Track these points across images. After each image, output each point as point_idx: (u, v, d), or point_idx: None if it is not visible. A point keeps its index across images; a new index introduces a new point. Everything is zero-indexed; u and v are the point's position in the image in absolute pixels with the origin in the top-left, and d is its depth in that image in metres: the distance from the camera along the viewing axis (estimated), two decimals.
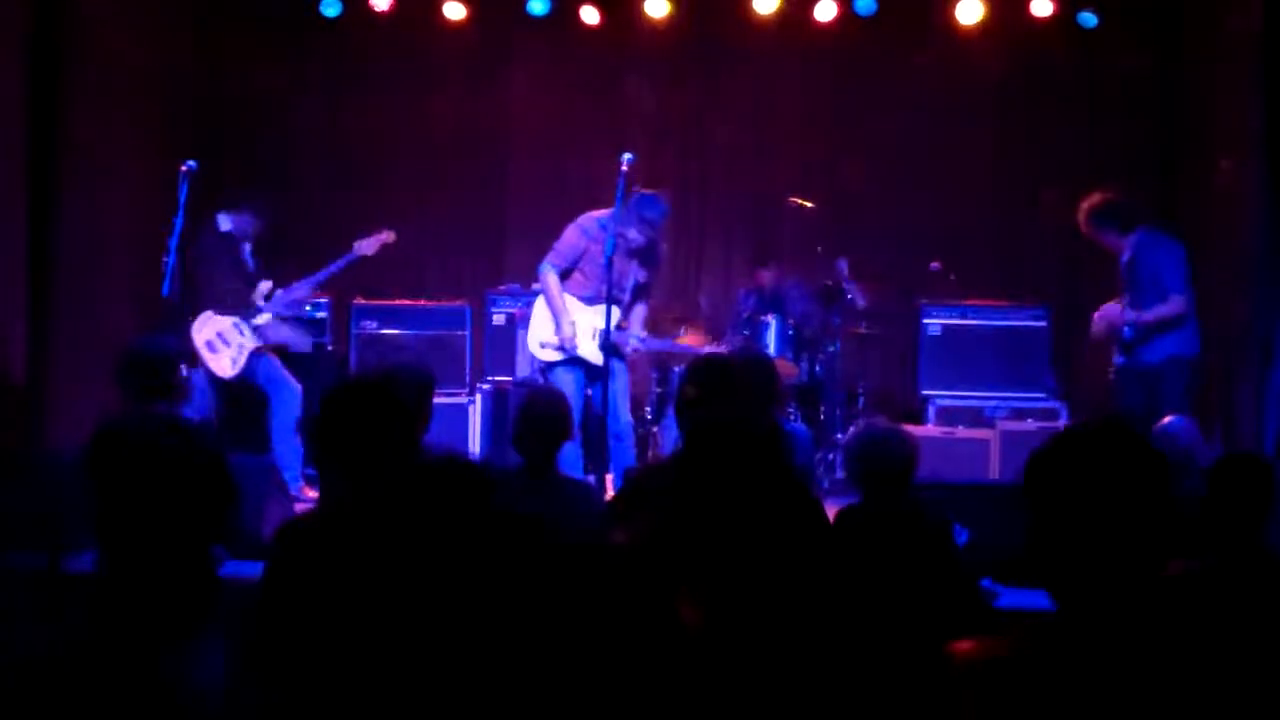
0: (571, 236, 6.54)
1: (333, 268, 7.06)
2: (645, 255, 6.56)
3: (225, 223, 6.88)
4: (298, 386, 6.76)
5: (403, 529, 2.35)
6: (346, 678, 2.45)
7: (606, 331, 6.24)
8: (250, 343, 6.74)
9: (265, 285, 6.92)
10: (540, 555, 2.40)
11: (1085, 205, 6.95)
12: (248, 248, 7.00)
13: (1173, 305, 6.79)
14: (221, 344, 6.63)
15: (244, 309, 6.77)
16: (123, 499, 3.75)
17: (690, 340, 7.00)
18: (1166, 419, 5.43)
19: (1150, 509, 2.00)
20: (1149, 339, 6.83)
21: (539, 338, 6.60)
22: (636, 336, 6.63)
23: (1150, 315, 6.81)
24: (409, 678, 2.24)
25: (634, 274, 6.48)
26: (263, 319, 6.81)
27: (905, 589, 3.85)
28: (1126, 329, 6.88)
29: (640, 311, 6.70)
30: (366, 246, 7.11)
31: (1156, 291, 6.82)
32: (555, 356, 6.54)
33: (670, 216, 6.87)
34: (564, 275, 6.58)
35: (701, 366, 4.00)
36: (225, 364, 6.61)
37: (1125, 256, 6.94)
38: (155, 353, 4.70)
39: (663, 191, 6.65)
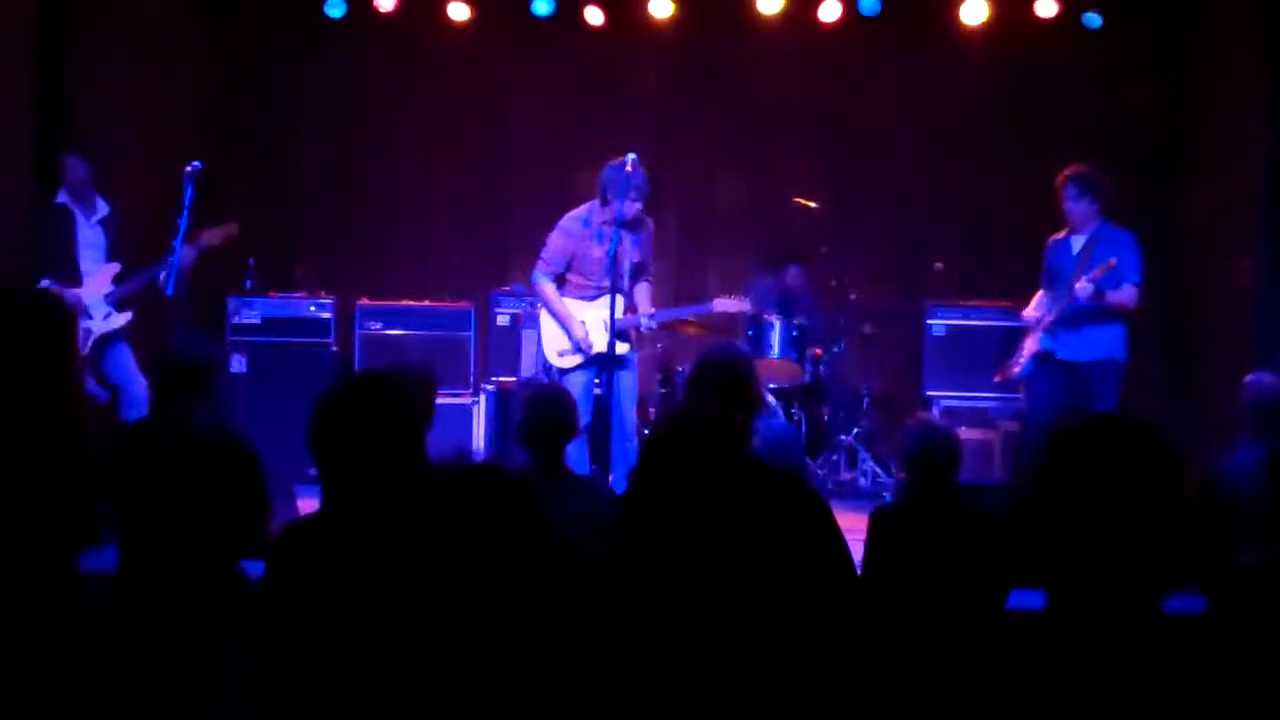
0: (557, 241, 6.49)
1: (174, 261, 6.26)
2: (635, 233, 6.47)
3: (61, 195, 6.49)
4: (145, 381, 6.33)
5: (416, 533, 2.33)
6: (350, 683, 2.44)
7: (613, 321, 6.19)
8: (99, 326, 6.41)
9: (114, 268, 6.52)
10: (556, 560, 2.39)
11: (1076, 168, 6.77)
12: (96, 218, 6.55)
13: (1128, 295, 6.57)
14: (82, 319, 6.40)
15: (71, 294, 6.33)
16: (150, 503, 3.72)
17: (722, 302, 6.84)
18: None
19: (1163, 510, 1.98)
20: (1083, 333, 6.63)
21: (555, 347, 6.51)
22: (645, 315, 6.56)
23: (1114, 297, 6.53)
24: (416, 684, 2.23)
25: (628, 256, 6.41)
26: (115, 322, 6.46)
27: (942, 581, 3.87)
28: (1068, 308, 6.61)
29: (644, 290, 6.60)
30: (213, 236, 6.59)
31: (1111, 281, 6.56)
32: (575, 360, 6.48)
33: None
34: (559, 281, 6.53)
35: (694, 368, 4.05)
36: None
37: (1084, 237, 6.73)
38: (190, 351, 4.50)
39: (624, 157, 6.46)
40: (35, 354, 2.63)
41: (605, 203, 6.37)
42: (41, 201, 6.58)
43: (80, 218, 6.54)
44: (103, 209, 6.59)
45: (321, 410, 2.80)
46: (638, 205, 6.32)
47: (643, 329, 6.56)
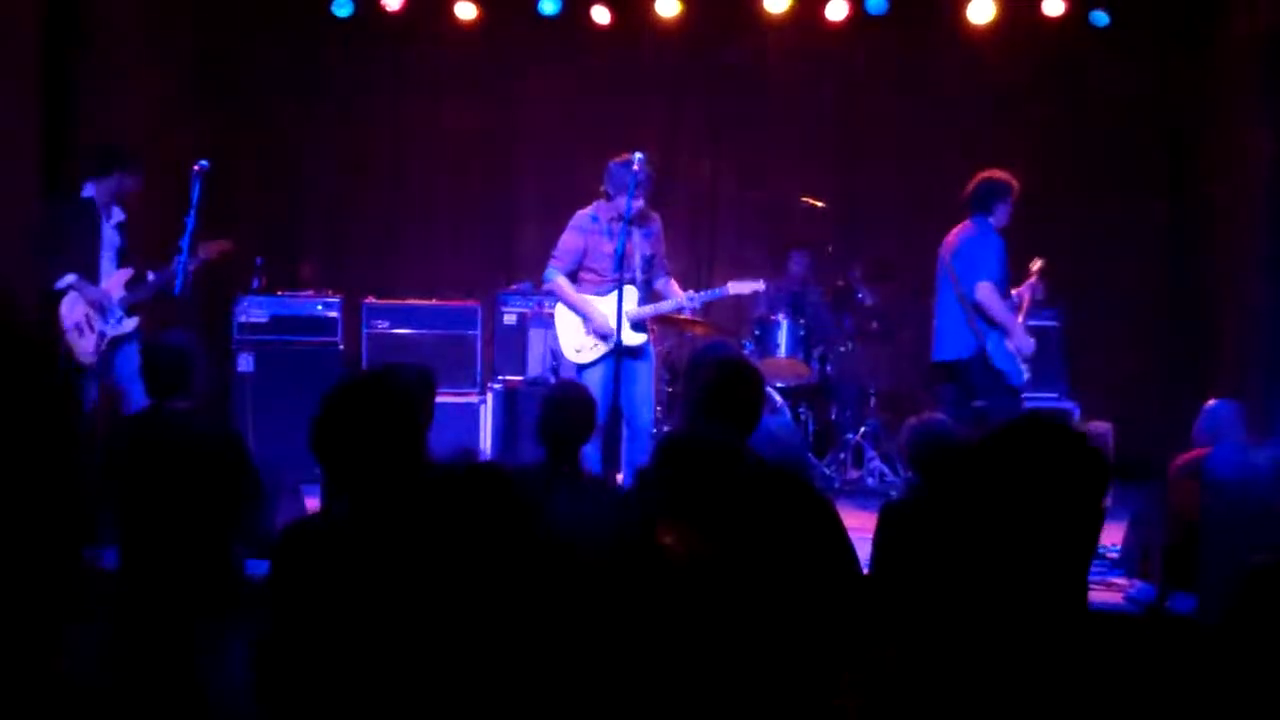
0: (569, 238, 6.50)
1: (182, 261, 6.29)
2: (644, 228, 6.48)
3: (89, 189, 6.48)
4: None
5: (417, 532, 2.33)
6: (353, 681, 2.44)
7: (620, 312, 6.19)
8: (111, 329, 6.43)
9: (127, 273, 6.52)
10: (558, 558, 2.39)
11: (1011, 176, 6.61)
12: (114, 221, 6.57)
13: None
14: (88, 328, 6.45)
15: (96, 291, 6.40)
16: (145, 495, 3.76)
17: (735, 285, 6.76)
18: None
19: (1083, 506, 1.99)
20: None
21: (573, 344, 6.50)
22: (687, 297, 6.54)
23: None
24: (418, 683, 2.23)
25: (639, 250, 6.42)
26: (126, 327, 6.46)
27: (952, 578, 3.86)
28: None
29: (669, 282, 6.61)
30: (209, 251, 6.57)
31: None
32: (594, 355, 6.45)
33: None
34: (572, 278, 6.53)
35: (686, 367, 4.04)
36: (89, 347, 6.43)
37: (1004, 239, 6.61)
38: (174, 348, 4.60)
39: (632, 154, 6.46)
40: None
41: (609, 198, 6.41)
42: (66, 194, 6.57)
43: (103, 217, 6.57)
44: (118, 214, 6.62)
45: (323, 408, 2.81)
46: (640, 201, 6.32)
47: (687, 311, 6.56)
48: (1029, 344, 6.48)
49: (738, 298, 9.04)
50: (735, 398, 3.61)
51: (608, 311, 6.33)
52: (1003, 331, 6.45)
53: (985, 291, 6.42)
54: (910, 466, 4.28)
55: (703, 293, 6.63)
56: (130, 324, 6.49)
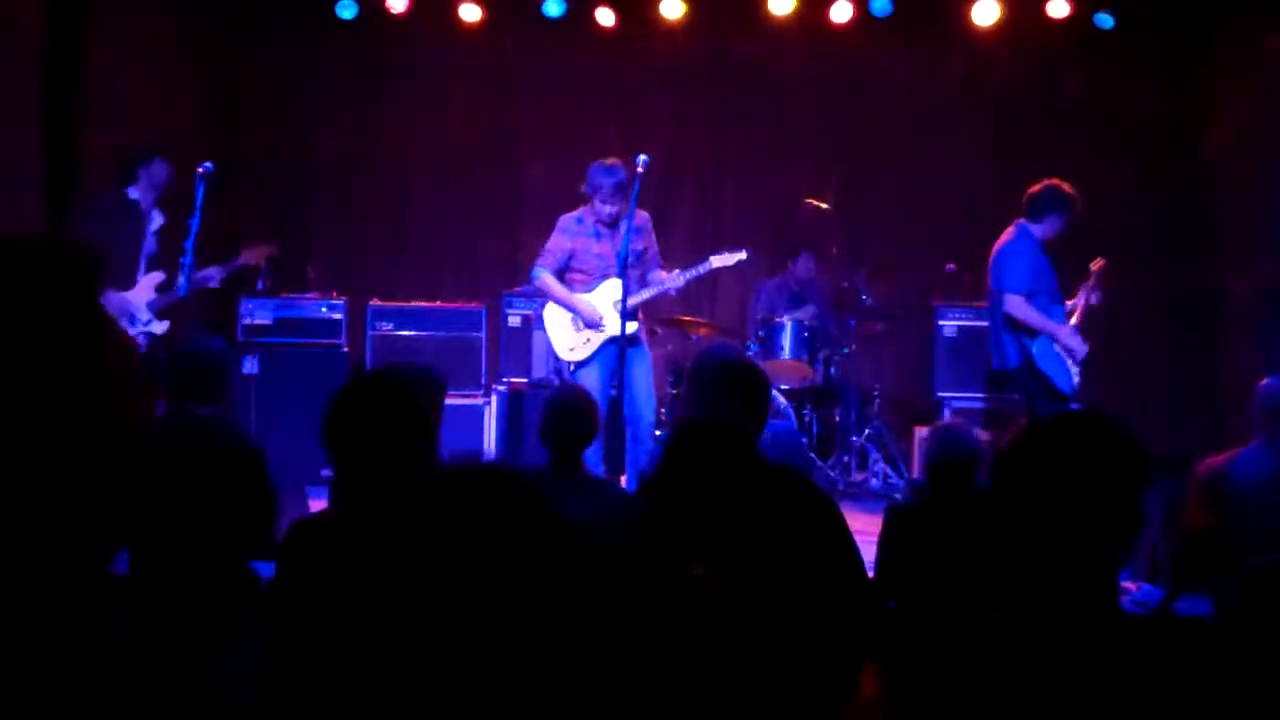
0: (556, 239, 6.52)
1: (186, 263, 6.20)
2: (633, 225, 6.47)
3: (133, 193, 6.58)
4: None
5: (425, 531, 2.33)
6: (360, 681, 2.44)
7: (625, 308, 6.18)
8: (139, 331, 6.52)
9: (158, 277, 6.58)
10: (569, 561, 2.38)
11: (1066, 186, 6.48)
12: (154, 226, 6.64)
13: None
14: (128, 324, 6.47)
15: (127, 289, 6.49)
16: (160, 496, 3.75)
17: (719, 258, 6.71)
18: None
19: (1122, 504, 1.98)
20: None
21: (565, 344, 6.50)
22: (672, 276, 6.52)
23: None
24: (424, 683, 2.23)
25: (630, 247, 6.42)
26: (155, 329, 6.54)
27: (957, 583, 3.86)
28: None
29: (656, 276, 6.61)
30: (251, 256, 6.79)
31: None
32: (587, 352, 6.45)
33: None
34: (560, 279, 6.53)
35: (689, 368, 4.03)
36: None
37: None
38: (207, 353, 4.52)
39: (620, 159, 6.46)
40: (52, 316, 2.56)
41: (591, 201, 6.44)
42: (114, 193, 6.57)
43: (147, 221, 6.61)
44: (158, 218, 6.65)
45: (336, 404, 2.81)
46: (610, 208, 6.31)
47: (674, 290, 6.55)
48: (1079, 346, 6.37)
49: (740, 298, 9.10)
50: (740, 398, 3.60)
51: (594, 301, 6.35)
52: (1049, 336, 6.34)
53: (1013, 304, 6.33)
54: (927, 470, 4.28)
55: (688, 270, 6.60)
56: (160, 327, 6.52)
